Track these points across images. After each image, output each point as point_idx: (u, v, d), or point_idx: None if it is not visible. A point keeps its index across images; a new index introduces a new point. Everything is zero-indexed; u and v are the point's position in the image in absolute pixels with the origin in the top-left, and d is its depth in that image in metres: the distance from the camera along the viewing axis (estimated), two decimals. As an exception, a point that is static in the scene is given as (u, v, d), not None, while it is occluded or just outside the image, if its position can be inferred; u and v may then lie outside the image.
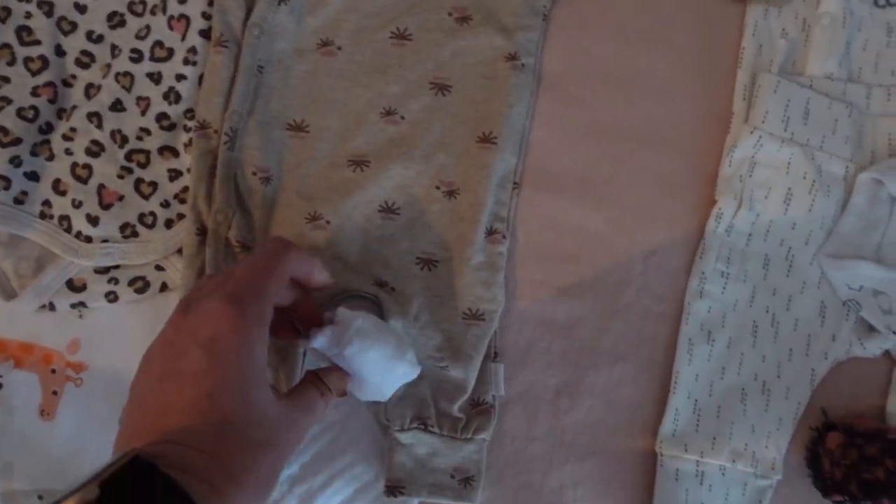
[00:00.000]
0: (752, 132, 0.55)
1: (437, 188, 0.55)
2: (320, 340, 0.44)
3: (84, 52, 0.55)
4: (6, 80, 0.54)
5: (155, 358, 0.39)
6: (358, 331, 0.44)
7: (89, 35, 0.55)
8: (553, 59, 0.58)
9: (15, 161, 0.53)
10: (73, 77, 0.55)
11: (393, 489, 0.51)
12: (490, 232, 0.54)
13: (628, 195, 0.57)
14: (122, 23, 0.55)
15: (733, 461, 0.52)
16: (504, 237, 0.55)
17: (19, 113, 0.53)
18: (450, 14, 0.56)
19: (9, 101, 0.53)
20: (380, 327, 0.47)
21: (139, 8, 0.55)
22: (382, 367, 0.46)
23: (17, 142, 0.53)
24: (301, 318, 0.46)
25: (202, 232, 0.53)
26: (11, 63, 0.54)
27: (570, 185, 0.57)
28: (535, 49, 0.57)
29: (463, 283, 0.53)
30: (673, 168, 0.57)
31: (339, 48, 0.56)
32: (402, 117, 0.56)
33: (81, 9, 0.55)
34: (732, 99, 0.58)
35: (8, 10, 0.54)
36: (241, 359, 0.38)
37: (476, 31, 0.56)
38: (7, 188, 0.53)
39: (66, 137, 0.54)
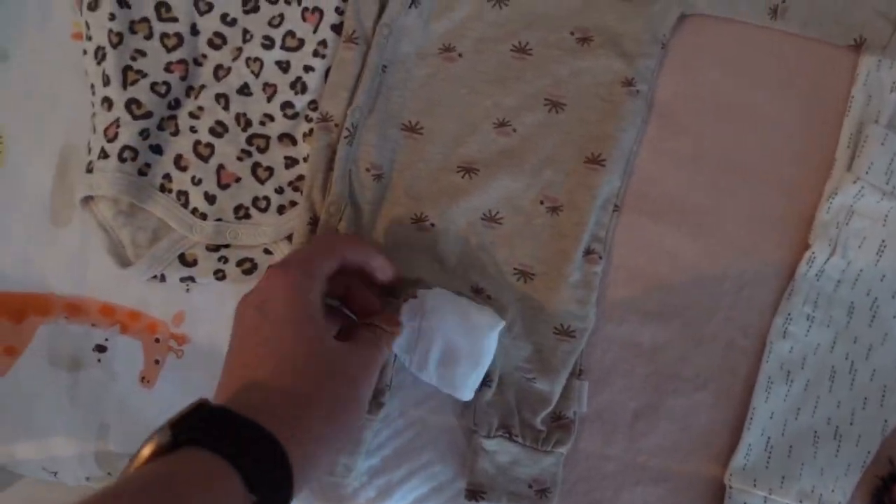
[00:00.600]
0: (854, 181, 0.56)
1: (542, 203, 0.56)
2: (403, 314, 0.48)
3: (217, 34, 0.57)
4: (142, 53, 0.56)
5: (232, 330, 0.44)
6: (436, 296, 0.48)
7: (224, 17, 0.57)
8: (666, 87, 0.59)
9: (143, 133, 0.55)
10: (204, 56, 0.57)
11: (474, 493, 0.53)
12: (588, 251, 0.56)
13: (725, 227, 0.58)
14: (256, 8, 0.57)
15: (800, 501, 0.54)
16: (601, 258, 0.56)
17: (153, 87, 0.55)
18: (572, 33, 0.57)
19: (144, 75, 0.55)
20: (455, 297, 0.50)
21: (274, -5, 0.57)
22: (465, 327, 0.49)
23: (148, 115, 0.55)
24: (356, 306, 0.50)
25: (314, 221, 0.55)
26: (149, 37, 0.56)
27: (669, 211, 0.58)
28: (651, 76, 0.58)
29: (558, 299, 0.55)
30: (771, 205, 0.58)
31: (461, 55, 0.57)
32: (515, 129, 0.57)
33: (220, -10, 0.57)
34: (837, 145, 0.59)
35: (150, -16, 0.56)
36: (290, 308, 0.43)
37: (596, 52, 0.57)
38: (134, 159, 0.55)
39: (192, 115, 0.56)
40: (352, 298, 0.50)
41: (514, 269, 0.56)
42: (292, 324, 0.43)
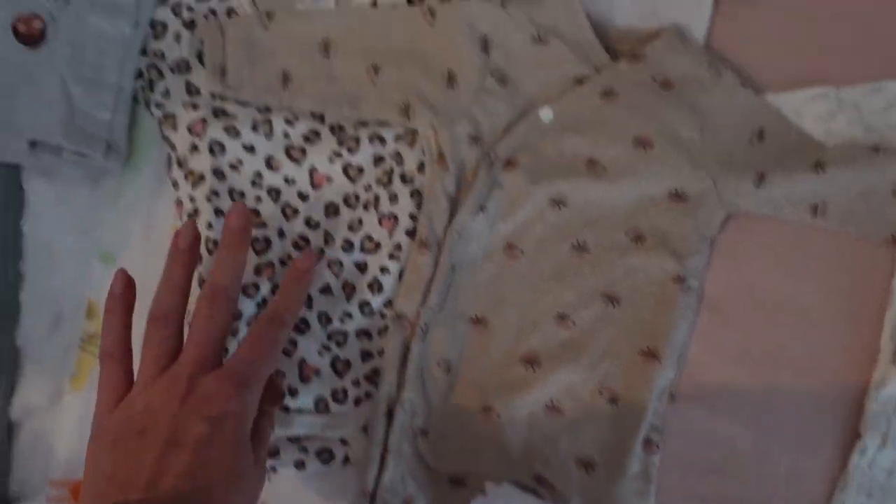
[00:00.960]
0: (900, 374, 0.59)
1: (601, 394, 0.60)
2: None
3: (301, 237, 0.62)
4: (233, 257, 0.61)
5: (153, 421, 0.46)
6: (505, 496, 0.50)
7: (307, 221, 0.62)
8: (714, 282, 0.63)
9: (233, 331, 0.60)
10: (289, 257, 0.62)
11: None
12: (646, 441, 0.59)
13: (777, 417, 0.61)
14: (337, 213, 0.62)
15: None
16: (658, 447, 0.59)
17: (244, 290, 0.60)
18: (626, 234, 0.62)
19: (234, 277, 0.60)
20: (523, 497, 0.52)
21: (353, 201, 0.62)
22: None
23: (238, 316, 0.60)
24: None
25: (389, 414, 0.59)
26: (239, 242, 0.61)
27: (723, 401, 0.61)
28: (700, 272, 0.62)
29: (618, 492, 0.58)
30: (820, 396, 0.61)
31: (523, 252, 0.62)
32: (574, 323, 0.61)
33: (303, 197, 0.62)
34: (880, 336, 0.62)
35: (242, 194, 0.61)
36: (237, 435, 0.46)
37: (649, 252, 0.61)
38: (225, 356, 0.59)
39: (277, 314, 0.61)
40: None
41: (577, 459, 0.59)
42: (234, 455, 0.46)
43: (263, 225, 0.62)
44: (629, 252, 0.62)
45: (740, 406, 0.61)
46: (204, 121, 0.61)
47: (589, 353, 0.60)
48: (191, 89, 0.63)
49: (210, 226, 0.60)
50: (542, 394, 0.60)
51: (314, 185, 0.63)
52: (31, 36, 0.62)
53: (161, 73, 0.63)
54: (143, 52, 0.64)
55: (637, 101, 0.61)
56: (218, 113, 0.62)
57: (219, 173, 0.61)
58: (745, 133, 0.61)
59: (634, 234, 0.62)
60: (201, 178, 0.61)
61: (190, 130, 0.61)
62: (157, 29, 0.64)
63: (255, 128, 0.61)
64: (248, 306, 0.60)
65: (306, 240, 0.62)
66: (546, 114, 0.61)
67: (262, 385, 0.49)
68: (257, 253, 0.61)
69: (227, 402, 0.46)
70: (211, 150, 0.61)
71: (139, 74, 0.63)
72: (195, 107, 0.62)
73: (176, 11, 0.63)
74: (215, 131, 0.61)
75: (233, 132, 0.61)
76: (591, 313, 0.61)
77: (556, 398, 0.60)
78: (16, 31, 0.61)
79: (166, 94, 0.63)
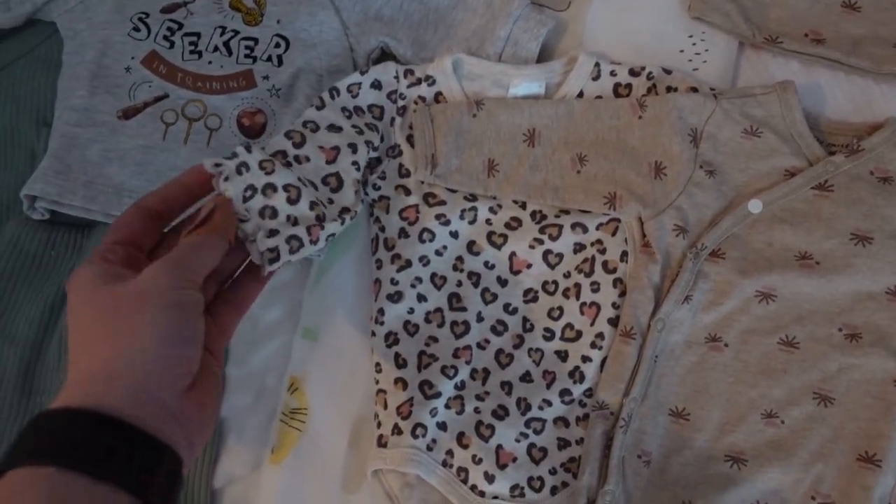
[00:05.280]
0: None
1: (813, 499, 0.57)
2: None
3: (499, 321, 0.63)
4: (435, 339, 0.62)
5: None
6: None
7: (506, 307, 0.63)
8: (937, 385, 0.59)
9: (432, 412, 0.60)
10: (487, 342, 0.62)
11: None
12: (863, 550, 0.55)
13: None
14: (535, 299, 0.63)
15: None
16: (877, 560, 0.55)
17: (442, 370, 0.61)
18: (840, 330, 0.59)
19: (435, 359, 0.61)
20: None
21: (551, 287, 0.63)
22: None
23: (437, 395, 0.60)
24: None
25: (590, 504, 0.58)
26: (441, 325, 0.62)
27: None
28: (922, 373, 0.58)
29: None
30: None
31: (727, 345, 0.60)
32: (783, 422, 0.58)
33: (502, 283, 0.63)
34: None
35: (444, 279, 0.63)
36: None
37: (866, 350, 0.59)
38: (423, 436, 0.60)
39: (478, 398, 0.61)
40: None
41: (785, 564, 0.56)
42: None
43: (464, 309, 0.62)
44: (844, 350, 0.59)
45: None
46: (416, 208, 0.63)
47: (799, 455, 0.58)
48: (401, 172, 0.65)
49: (412, 311, 0.62)
50: (748, 494, 0.57)
51: (513, 271, 0.63)
52: (253, 129, 0.66)
53: (379, 158, 0.65)
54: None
55: (854, 195, 0.59)
56: (428, 199, 0.64)
57: (424, 259, 0.63)
58: (972, 229, 0.58)
59: (850, 330, 0.59)
60: (408, 263, 0.63)
61: (401, 215, 0.63)
62: (375, 112, 0.66)
63: (461, 215, 0.63)
64: (447, 386, 0.61)
65: (505, 325, 0.63)
66: (755, 205, 0.60)
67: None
68: (456, 336, 0.62)
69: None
70: (420, 238, 0.63)
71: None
72: (408, 192, 0.64)
73: (391, 98, 0.66)
74: (428, 220, 0.63)
75: (443, 220, 0.63)
76: (802, 412, 0.59)
77: (763, 499, 0.57)
78: (240, 124, 0.66)
79: (382, 176, 0.65)
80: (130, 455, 0.36)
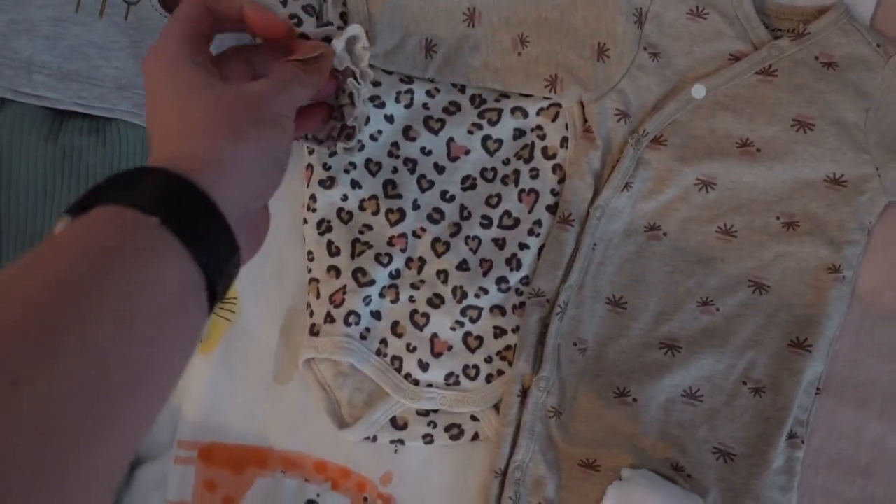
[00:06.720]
0: None
1: (744, 384, 0.57)
2: (608, 498, 0.53)
3: (436, 209, 0.61)
4: (369, 227, 0.60)
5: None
6: (642, 480, 0.53)
7: (443, 194, 0.61)
8: (869, 274, 0.60)
9: (366, 300, 0.59)
10: (423, 230, 0.60)
11: None
12: (790, 435, 0.56)
13: (930, 419, 0.57)
14: (473, 186, 0.61)
15: None
16: (803, 442, 0.57)
17: (376, 258, 0.59)
18: (777, 218, 0.59)
19: (369, 247, 0.59)
20: (662, 482, 0.53)
21: (490, 174, 0.61)
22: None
23: (370, 283, 0.59)
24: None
25: (523, 393, 0.57)
26: (375, 213, 0.60)
27: (872, 399, 0.58)
28: (856, 263, 0.59)
29: (761, 485, 0.55)
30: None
31: (665, 234, 0.60)
32: (718, 309, 0.58)
33: (440, 169, 0.61)
34: None
35: (379, 165, 0.60)
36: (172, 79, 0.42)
37: (802, 238, 0.58)
38: (357, 324, 0.58)
39: (413, 286, 0.60)
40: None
41: (714, 448, 0.57)
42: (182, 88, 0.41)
43: (399, 196, 0.60)
44: (780, 237, 0.59)
45: (890, 406, 0.58)
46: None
47: (733, 342, 0.58)
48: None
49: (345, 197, 0.59)
50: (681, 380, 0.58)
51: (451, 157, 0.61)
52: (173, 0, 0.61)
53: None
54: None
55: (798, 80, 0.58)
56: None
57: (358, 144, 0.60)
58: (914, 117, 0.58)
59: (787, 219, 0.59)
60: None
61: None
62: None
63: (397, 98, 0.60)
64: (381, 274, 0.59)
65: (441, 213, 0.61)
66: (699, 91, 0.59)
67: (184, 34, 0.43)
68: (391, 223, 0.60)
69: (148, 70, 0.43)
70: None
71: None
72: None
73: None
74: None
75: (377, 102, 0.60)
76: (737, 300, 0.59)
77: (696, 385, 0.58)
78: (161, -4, 0.61)
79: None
80: (214, 234, 0.36)
